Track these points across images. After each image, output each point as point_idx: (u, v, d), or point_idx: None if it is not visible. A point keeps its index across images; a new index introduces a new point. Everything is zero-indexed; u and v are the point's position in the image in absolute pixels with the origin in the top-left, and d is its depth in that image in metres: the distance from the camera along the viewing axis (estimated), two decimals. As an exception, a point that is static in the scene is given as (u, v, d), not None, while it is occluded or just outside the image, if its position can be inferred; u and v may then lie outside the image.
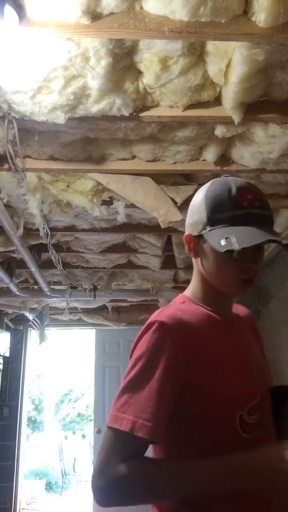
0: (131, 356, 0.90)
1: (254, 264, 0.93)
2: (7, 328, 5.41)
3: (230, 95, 1.47)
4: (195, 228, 0.96)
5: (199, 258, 0.99)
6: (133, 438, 0.80)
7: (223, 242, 0.87)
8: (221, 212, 0.91)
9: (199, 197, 0.97)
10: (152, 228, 2.77)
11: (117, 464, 0.79)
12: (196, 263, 1.01)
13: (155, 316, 0.92)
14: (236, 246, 0.85)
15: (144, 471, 0.80)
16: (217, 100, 1.58)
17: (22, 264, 3.27)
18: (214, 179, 0.98)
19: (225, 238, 0.87)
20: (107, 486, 0.79)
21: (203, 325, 0.92)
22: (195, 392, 0.85)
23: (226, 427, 0.85)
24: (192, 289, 1.02)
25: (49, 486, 7.89)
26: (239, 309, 1.10)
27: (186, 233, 0.99)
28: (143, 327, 0.91)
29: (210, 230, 0.92)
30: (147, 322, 0.91)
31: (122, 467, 0.79)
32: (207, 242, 0.93)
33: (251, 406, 0.87)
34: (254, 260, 0.93)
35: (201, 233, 0.94)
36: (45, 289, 3.74)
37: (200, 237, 0.95)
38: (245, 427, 0.86)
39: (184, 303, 1.00)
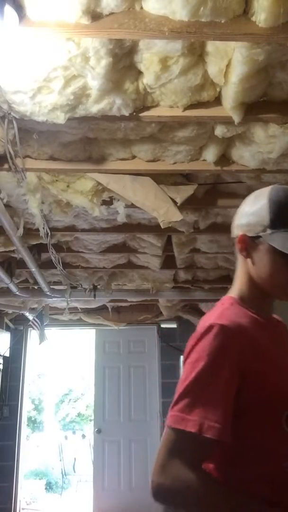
0: (186, 358, 0.91)
1: None
2: (7, 328, 5.41)
3: (230, 95, 1.47)
4: (251, 229, 0.98)
5: (249, 259, 1.01)
6: (200, 439, 0.82)
7: None
8: (285, 217, 0.94)
9: (261, 200, 0.98)
10: (152, 228, 2.77)
11: (182, 466, 0.81)
12: (246, 264, 1.03)
13: (213, 319, 0.93)
14: None
15: (204, 491, 0.82)
16: (217, 100, 1.58)
17: (22, 264, 3.27)
18: (273, 186, 1.01)
19: None
20: (171, 485, 0.81)
21: (251, 326, 0.95)
22: (248, 392, 0.88)
23: (273, 424, 0.89)
24: (238, 290, 1.04)
25: (49, 486, 7.88)
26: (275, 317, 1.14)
27: (240, 233, 1.01)
28: (200, 330, 0.92)
29: (272, 233, 0.94)
30: (205, 325, 0.92)
31: (187, 472, 0.81)
32: (264, 244, 0.96)
33: None
34: None
35: (259, 234, 0.96)
36: (45, 289, 3.74)
37: (255, 238, 0.98)
38: None
39: (233, 306, 1.01)
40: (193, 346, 0.90)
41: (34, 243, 2.99)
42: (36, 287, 4.01)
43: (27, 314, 4.72)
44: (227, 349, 0.87)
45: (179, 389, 0.87)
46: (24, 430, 5.60)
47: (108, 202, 2.33)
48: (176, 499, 0.83)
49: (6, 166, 1.89)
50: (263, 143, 1.78)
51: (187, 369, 0.88)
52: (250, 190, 2.34)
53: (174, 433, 0.84)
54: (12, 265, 3.46)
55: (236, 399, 0.87)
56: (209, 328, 0.90)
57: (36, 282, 3.71)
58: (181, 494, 0.82)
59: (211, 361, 0.86)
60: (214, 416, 0.82)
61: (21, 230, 2.52)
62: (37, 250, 3.18)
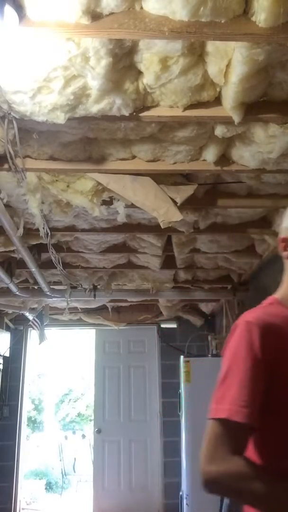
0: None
1: None
2: (7, 328, 5.41)
3: (230, 95, 1.47)
4: None
5: None
6: (231, 424, 0.87)
7: None
8: None
9: None
10: (152, 228, 2.77)
11: (226, 454, 0.86)
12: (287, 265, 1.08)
13: (240, 318, 1.00)
14: None
15: (253, 476, 0.85)
16: (217, 100, 1.58)
17: (22, 264, 3.27)
18: None
19: None
20: (220, 472, 0.85)
21: (286, 325, 0.99)
22: (280, 385, 0.92)
23: None
24: (282, 291, 1.09)
25: (49, 486, 7.88)
26: None
27: (282, 236, 1.07)
28: (232, 329, 0.99)
29: None
30: (234, 324, 0.99)
31: (233, 459, 0.85)
32: None
33: None
34: None
35: None
36: (45, 289, 3.74)
37: None
38: None
39: (271, 305, 1.06)
40: (226, 345, 0.99)
41: (34, 243, 2.99)
42: (36, 287, 4.02)
43: (27, 314, 4.72)
44: (249, 342, 0.92)
45: (217, 383, 0.94)
46: (24, 430, 5.60)
47: (108, 202, 2.33)
48: (229, 485, 0.86)
49: (6, 166, 1.89)
50: (263, 143, 1.78)
51: (222, 366, 0.96)
52: (250, 190, 2.36)
53: (213, 424, 0.90)
54: (12, 265, 3.46)
55: (268, 395, 0.90)
56: (236, 326, 0.98)
57: (36, 282, 3.71)
58: (233, 480, 0.85)
59: (236, 355, 0.93)
60: (241, 402, 0.88)
61: (21, 230, 2.52)
62: (37, 250, 3.18)
